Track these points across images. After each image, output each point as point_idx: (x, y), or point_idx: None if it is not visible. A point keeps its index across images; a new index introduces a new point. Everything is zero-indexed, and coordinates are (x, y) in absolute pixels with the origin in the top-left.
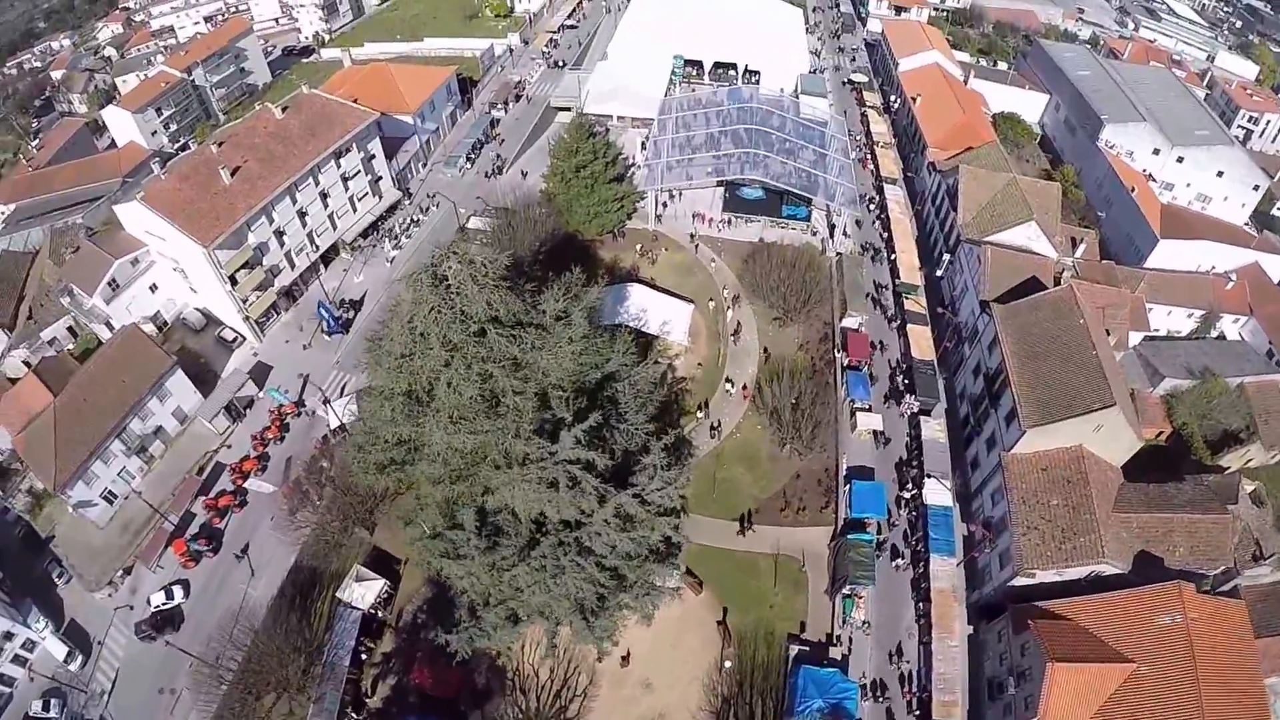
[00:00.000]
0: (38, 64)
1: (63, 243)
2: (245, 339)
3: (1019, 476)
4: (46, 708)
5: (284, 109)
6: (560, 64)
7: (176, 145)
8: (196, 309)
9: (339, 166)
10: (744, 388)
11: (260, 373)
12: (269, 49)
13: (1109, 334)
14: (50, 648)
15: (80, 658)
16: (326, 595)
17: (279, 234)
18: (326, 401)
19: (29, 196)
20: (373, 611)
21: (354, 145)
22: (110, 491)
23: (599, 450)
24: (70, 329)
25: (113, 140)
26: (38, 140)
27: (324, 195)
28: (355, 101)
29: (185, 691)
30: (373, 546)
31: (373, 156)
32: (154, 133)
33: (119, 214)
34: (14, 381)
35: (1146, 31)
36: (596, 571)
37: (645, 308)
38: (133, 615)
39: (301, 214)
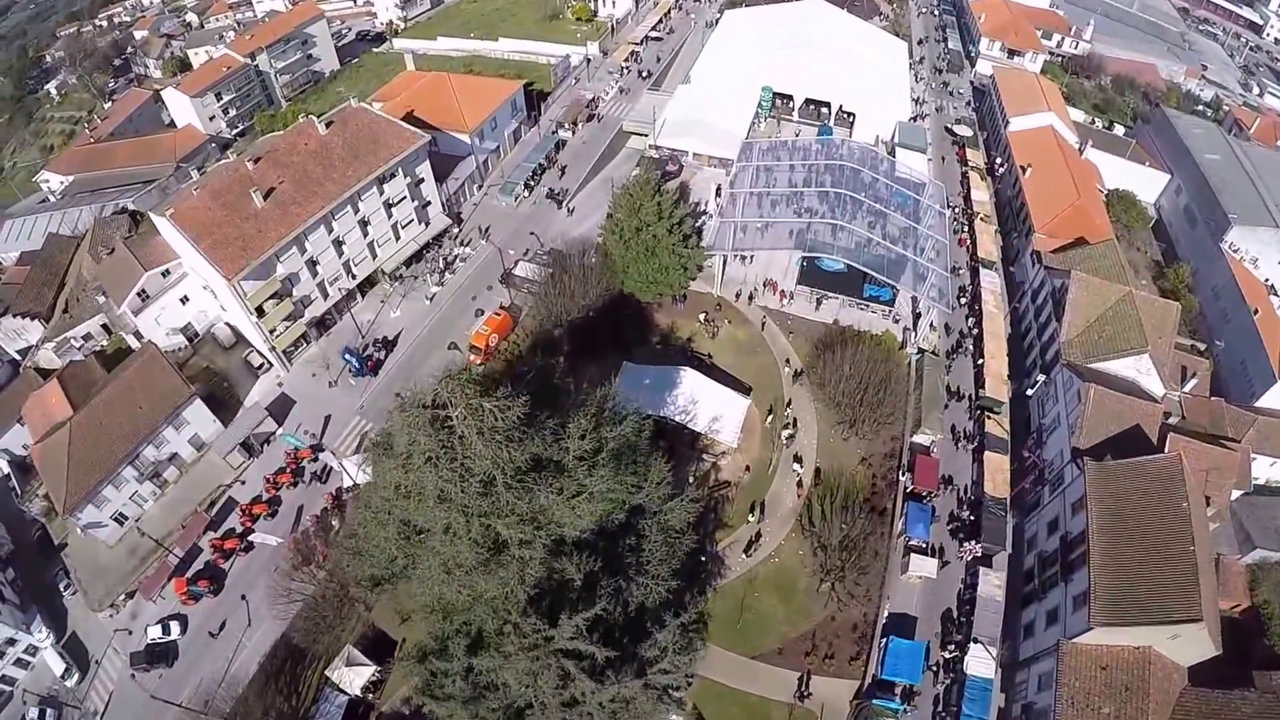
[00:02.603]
0: (126, 19)
1: (104, 236)
2: (272, 365)
3: (1074, 671)
4: (43, 716)
5: (328, 124)
6: (643, 75)
7: (235, 132)
8: (227, 324)
9: (382, 192)
10: (798, 484)
11: (282, 406)
12: (343, 30)
13: (1209, 501)
14: (49, 659)
15: (77, 674)
16: (317, 667)
17: (312, 264)
18: (338, 459)
19: (87, 170)
20: (360, 695)
21: (400, 170)
22: (121, 513)
23: (601, 631)
24: (104, 326)
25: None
26: (110, 103)
27: (364, 223)
28: (410, 114)
29: None
30: (370, 623)
31: (421, 181)
32: (212, 118)
33: (154, 221)
34: (44, 375)
35: (1271, 99)
36: None
37: (696, 399)
38: (130, 640)
39: (338, 243)
